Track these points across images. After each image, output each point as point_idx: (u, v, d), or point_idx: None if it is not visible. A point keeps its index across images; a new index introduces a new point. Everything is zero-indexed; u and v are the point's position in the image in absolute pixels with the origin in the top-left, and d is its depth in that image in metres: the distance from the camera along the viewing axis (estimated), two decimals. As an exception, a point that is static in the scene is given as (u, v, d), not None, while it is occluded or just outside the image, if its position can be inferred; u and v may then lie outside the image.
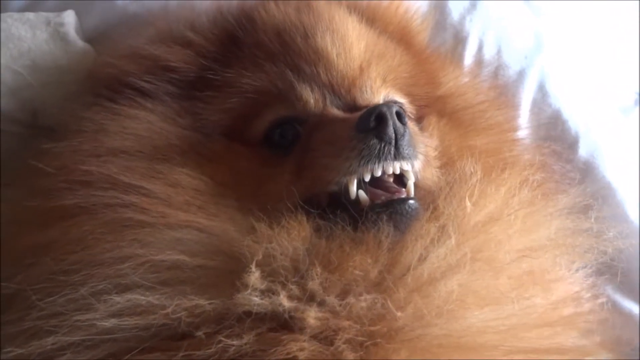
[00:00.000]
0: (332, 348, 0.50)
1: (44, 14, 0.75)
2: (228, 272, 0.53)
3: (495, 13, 0.93)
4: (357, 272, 0.52)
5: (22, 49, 0.70)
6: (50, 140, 0.64)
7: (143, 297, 0.51)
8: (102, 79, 0.68)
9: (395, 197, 0.57)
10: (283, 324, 0.51)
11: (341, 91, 0.65)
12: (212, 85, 0.67)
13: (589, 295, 0.66)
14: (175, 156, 0.61)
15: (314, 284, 0.51)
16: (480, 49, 0.90)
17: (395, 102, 0.65)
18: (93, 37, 0.79)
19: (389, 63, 0.70)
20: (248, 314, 0.50)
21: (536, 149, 0.83)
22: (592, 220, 0.67)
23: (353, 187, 0.57)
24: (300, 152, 0.62)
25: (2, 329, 0.55)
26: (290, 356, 0.49)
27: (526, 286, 0.57)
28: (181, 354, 0.49)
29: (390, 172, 0.58)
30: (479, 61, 0.89)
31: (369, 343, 0.50)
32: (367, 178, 0.57)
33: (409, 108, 0.69)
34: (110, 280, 0.53)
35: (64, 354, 0.51)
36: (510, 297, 0.54)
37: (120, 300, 0.51)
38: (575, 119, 0.90)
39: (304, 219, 0.56)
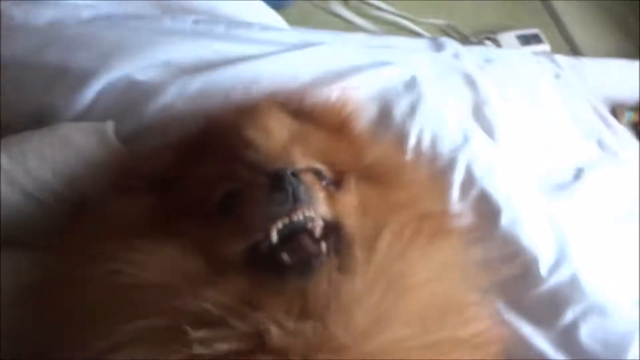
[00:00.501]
0: None
1: (93, 123, 0.99)
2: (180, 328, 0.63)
3: (430, 116, 1.19)
4: (283, 309, 0.64)
5: (77, 150, 0.93)
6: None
7: (130, 355, 0.62)
8: (112, 177, 0.92)
9: (311, 255, 0.70)
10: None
11: (267, 165, 0.78)
12: (178, 179, 0.86)
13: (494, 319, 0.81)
14: (150, 233, 0.76)
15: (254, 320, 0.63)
16: (418, 143, 1.14)
17: (312, 168, 0.82)
18: (126, 142, 1.03)
19: (310, 143, 0.85)
20: None
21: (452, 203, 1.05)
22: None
23: (273, 233, 0.71)
24: (236, 214, 0.76)
25: None
26: None
27: (435, 309, 0.71)
28: None
29: (295, 218, 0.71)
30: (417, 152, 1.14)
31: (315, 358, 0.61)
32: (280, 225, 0.71)
33: (327, 173, 0.84)
34: (107, 338, 0.64)
35: None
36: (421, 317, 0.68)
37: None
38: (498, 195, 1.12)
39: (240, 273, 0.69)
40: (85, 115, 1.06)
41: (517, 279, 1.08)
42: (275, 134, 0.85)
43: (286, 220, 0.71)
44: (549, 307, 1.05)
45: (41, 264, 0.83)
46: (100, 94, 1.06)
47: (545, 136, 1.50)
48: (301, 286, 0.67)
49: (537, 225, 1.13)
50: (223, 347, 0.62)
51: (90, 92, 1.06)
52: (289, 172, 0.73)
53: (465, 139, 1.18)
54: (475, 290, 0.84)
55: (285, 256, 0.70)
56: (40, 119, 1.05)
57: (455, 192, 1.12)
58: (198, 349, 0.61)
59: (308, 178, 0.79)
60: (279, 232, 0.71)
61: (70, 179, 0.95)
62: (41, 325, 0.73)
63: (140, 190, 0.87)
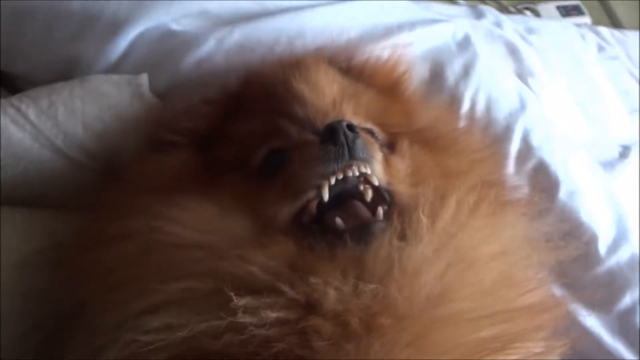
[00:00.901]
0: (348, 328, 0.57)
1: (126, 75, 0.93)
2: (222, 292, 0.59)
3: (485, 78, 1.10)
4: (338, 274, 0.60)
5: (110, 103, 0.88)
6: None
7: (169, 317, 0.58)
8: (149, 133, 0.87)
9: (368, 222, 0.67)
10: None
11: (317, 122, 0.75)
12: (220, 135, 0.83)
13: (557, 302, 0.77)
14: (192, 190, 0.73)
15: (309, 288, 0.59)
16: (472, 107, 1.07)
17: (364, 128, 0.77)
18: (161, 97, 0.97)
19: (361, 102, 0.82)
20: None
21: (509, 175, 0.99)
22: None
23: (325, 191, 0.67)
24: (283, 174, 0.72)
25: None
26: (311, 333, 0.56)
27: (497, 281, 0.67)
28: None
29: (350, 174, 0.67)
30: (471, 117, 1.06)
31: (377, 324, 0.58)
32: (333, 180, 0.67)
33: (380, 134, 0.81)
34: (145, 298, 0.61)
35: None
36: (483, 289, 0.65)
37: (153, 320, 0.58)
38: (556, 166, 1.05)
39: (287, 237, 0.65)
40: (116, 68, 0.99)
41: (574, 258, 1.00)
42: (325, 90, 0.80)
43: (340, 176, 0.67)
44: (606, 290, 0.98)
45: (72, 223, 0.78)
46: (132, 45, 0.99)
47: (590, 111, 1.42)
48: (358, 252, 0.63)
49: (596, 200, 1.06)
50: (270, 315, 0.57)
51: (123, 42, 0.98)
52: (344, 123, 0.68)
53: (523, 105, 1.10)
54: (536, 265, 0.78)
55: (339, 221, 0.66)
56: (68, 74, 0.98)
57: (511, 162, 1.04)
58: (243, 317, 0.56)
59: (364, 134, 0.74)
60: (331, 188, 0.67)
61: (101, 134, 0.89)
62: (66, 286, 0.69)
63: (181, 145, 0.82)
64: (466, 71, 1.10)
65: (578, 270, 0.97)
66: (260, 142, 0.77)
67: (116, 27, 0.98)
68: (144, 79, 0.93)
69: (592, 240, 1.00)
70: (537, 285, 0.71)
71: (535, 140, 1.07)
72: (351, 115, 0.78)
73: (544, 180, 1.04)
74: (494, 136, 1.05)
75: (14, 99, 0.88)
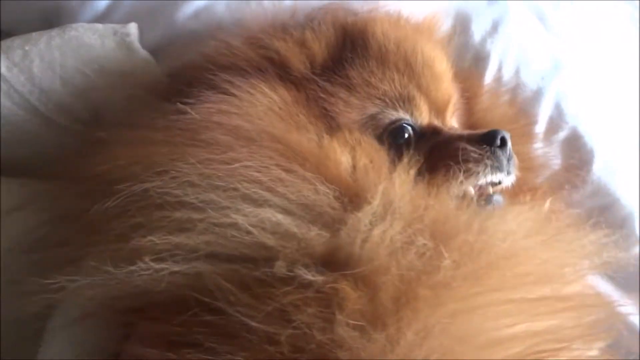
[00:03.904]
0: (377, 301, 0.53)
1: (111, 25, 0.83)
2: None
3: (515, 36, 0.99)
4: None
5: (92, 55, 0.78)
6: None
7: (282, 217, 0.56)
8: (221, 63, 0.74)
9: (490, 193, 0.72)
10: None
11: (439, 111, 0.78)
12: (335, 83, 0.75)
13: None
14: (310, 133, 0.68)
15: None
16: (499, 69, 0.96)
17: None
18: (153, 50, 0.87)
19: (455, 99, 0.84)
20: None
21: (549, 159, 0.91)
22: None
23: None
24: (419, 155, 0.71)
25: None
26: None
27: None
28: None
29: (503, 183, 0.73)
30: (498, 80, 0.96)
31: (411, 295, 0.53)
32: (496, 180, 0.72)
33: None
34: (257, 188, 0.57)
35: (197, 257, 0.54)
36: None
37: (263, 213, 0.55)
38: (591, 136, 0.95)
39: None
40: (104, 19, 0.89)
41: (608, 237, 0.90)
42: (446, 72, 0.81)
43: (494, 178, 0.72)
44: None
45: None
46: (122, -7, 0.89)
47: (622, 82, 1.30)
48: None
49: (633, 175, 0.96)
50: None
51: (110, -11, 0.88)
52: (507, 137, 0.74)
53: (556, 67, 0.99)
54: (572, 253, 0.70)
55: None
56: (49, 25, 0.87)
57: (541, 128, 0.94)
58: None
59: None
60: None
61: (82, 90, 0.79)
62: None
63: (270, 79, 0.73)
64: (494, 27, 0.99)
65: (611, 251, 0.89)
66: (388, 106, 0.76)
67: (103, -31, 0.87)
68: (132, 28, 0.83)
69: (628, 219, 0.92)
70: (575, 276, 0.66)
71: (569, 107, 0.96)
72: (451, 115, 0.82)
73: (578, 152, 0.95)
74: (521, 101, 0.95)
75: (-19, 50, 0.78)
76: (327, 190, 0.59)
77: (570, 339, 0.57)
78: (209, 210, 0.56)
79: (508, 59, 0.97)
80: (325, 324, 0.50)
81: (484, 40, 0.98)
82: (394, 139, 0.75)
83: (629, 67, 1.22)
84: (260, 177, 0.58)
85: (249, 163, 0.59)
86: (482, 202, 0.71)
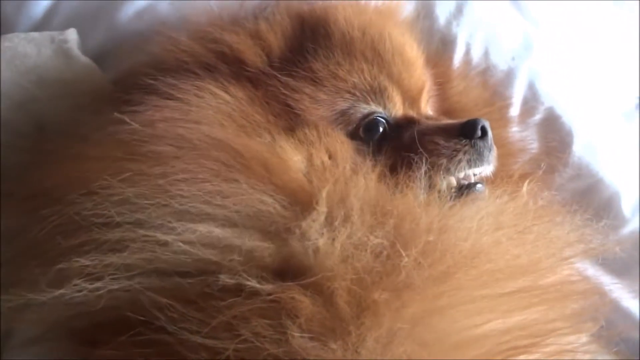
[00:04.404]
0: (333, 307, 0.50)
1: (48, 32, 0.78)
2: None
3: (482, 15, 0.95)
4: None
5: (28, 66, 0.74)
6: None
7: (221, 231, 0.52)
8: (166, 64, 0.70)
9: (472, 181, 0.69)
10: None
11: (413, 100, 0.74)
12: (298, 77, 0.70)
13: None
14: (264, 135, 0.64)
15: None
16: (467, 51, 0.92)
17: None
18: (97, 55, 0.82)
19: (429, 86, 0.80)
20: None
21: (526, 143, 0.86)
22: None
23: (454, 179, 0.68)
24: (396, 149, 0.69)
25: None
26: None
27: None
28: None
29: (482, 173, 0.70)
30: (467, 63, 0.91)
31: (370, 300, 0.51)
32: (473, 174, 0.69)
33: None
34: (195, 202, 0.54)
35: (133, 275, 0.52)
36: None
37: (200, 228, 0.52)
38: (570, 116, 0.91)
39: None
40: (44, 27, 0.84)
41: (593, 220, 0.86)
42: (417, 59, 0.77)
43: (473, 171, 0.70)
44: (633, 254, 0.85)
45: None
46: (59, -3, 0.84)
47: (605, 62, 1.26)
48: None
49: (616, 154, 0.92)
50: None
51: (46, -6, 0.83)
52: (487, 127, 0.70)
53: (528, 46, 0.95)
54: (551, 242, 0.67)
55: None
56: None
57: (516, 110, 0.90)
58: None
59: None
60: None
61: (21, 104, 0.73)
62: None
63: (223, 79, 0.68)
64: (459, 9, 0.95)
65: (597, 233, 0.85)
66: (358, 99, 0.71)
67: (36, -26, 0.83)
68: (71, 34, 0.78)
69: (614, 199, 0.88)
70: (563, 261, 0.64)
71: (543, 86, 0.92)
72: (425, 103, 0.79)
73: (556, 134, 0.90)
74: (494, 83, 0.90)
75: None
76: (273, 200, 0.55)
77: (544, 333, 0.54)
78: (142, 230, 0.52)
79: (476, 41, 0.93)
80: (278, 336, 0.48)
81: (449, 23, 0.93)
82: (368, 134, 0.71)
83: (603, 41, 1.18)
84: (198, 190, 0.54)
85: (186, 176, 0.55)
86: (464, 191, 0.68)
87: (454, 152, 0.68)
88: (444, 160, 0.68)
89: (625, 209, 0.88)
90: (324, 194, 0.55)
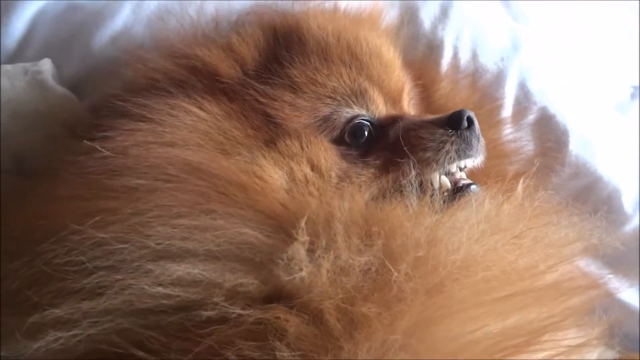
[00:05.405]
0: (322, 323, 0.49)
1: (21, 64, 0.76)
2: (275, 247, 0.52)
3: (468, 17, 0.93)
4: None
5: (2, 100, 0.72)
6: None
7: (202, 269, 0.50)
8: (136, 84, 0.68)
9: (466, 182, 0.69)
10: None
11: (395, 101, 0.73)
12: (276, 85, 0.68)
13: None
14: (242, 151, 0.62)
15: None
16: (455, 54, 0.90)
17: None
18: (74, 83, 0.80)
19: (409, 88, 0.79)
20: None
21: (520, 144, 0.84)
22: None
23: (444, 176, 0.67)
24: (384, 149, 0.68)
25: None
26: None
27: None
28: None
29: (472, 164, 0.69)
30: (455, 67, 0.89)
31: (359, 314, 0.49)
32: (463, 165, 0.68)
33: None
34: (173, 239, 0.51)
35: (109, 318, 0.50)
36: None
37: (179, 268, 0.50)
38: (563, 114, 0.89)
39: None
40: (18, 57, 0.82)
41: (594, 217, 0.84)
42: (395, 60, 0.76)
43: (465, 162, 0.69)
44: (635, 251, 0.83)
45: None
46: (32, 25, 0.82)
47: (597, 52, 1.24)
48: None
49: (614, 149, 0.90)
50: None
51: (18, 23, 0.81)
52: (473, 116, 0.69)
53: (516, 46, 0.92)
54: (548, 243, 0.64)
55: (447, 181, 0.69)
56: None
57: (508, 111, 0.88)
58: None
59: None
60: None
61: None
62: None
63: (198, 95, 0.66)
64: (444, 12, 0.92)
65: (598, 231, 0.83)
66: (340, 104, 0.70)
67: (6, 3, 0.81)
68: (45, 64, 0.76)
69: (614, 195, 0.87)
70: (560, 261, 0.62)
71: (535, 85, 0.90)
72: (407, 103, 0.78)
73: (551, 134, 0.88)
74: (484, 86, 0.88)
75: None
76: (253, 230, 0.52)
77: (539, 330, 0.53)
78: (118, 275, 0.50)
79: (463, 43, 0.91)
80: (266, 357, 0.47)
81: (434, 27, 0.91)
82: (354, 139, 0.69)
83: (591, 34, 1.16)
84: (174, 227, 0.52)
85: (161, 212, 0.52)
86: (458, 194, 0.67)
87: (441, 144, 0.67)
88: (431, 154, 0.67)
89: (626, 205, 0.86)
90: (302, 223, 0.52)
